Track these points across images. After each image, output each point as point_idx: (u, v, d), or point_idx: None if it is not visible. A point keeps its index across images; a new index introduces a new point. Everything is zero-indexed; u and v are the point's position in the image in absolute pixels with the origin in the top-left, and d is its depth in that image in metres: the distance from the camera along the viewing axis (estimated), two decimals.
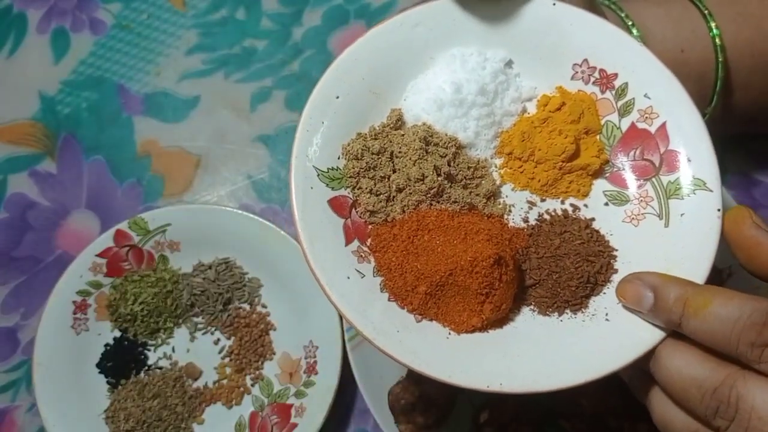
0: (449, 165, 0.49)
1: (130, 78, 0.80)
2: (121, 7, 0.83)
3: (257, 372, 0.69)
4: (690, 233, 0.45)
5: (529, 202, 0.51)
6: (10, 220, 0.76)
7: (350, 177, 0.49)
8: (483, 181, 0.51)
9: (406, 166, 0.49)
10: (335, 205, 0.48)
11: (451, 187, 0.50)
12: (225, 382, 0.69)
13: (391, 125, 0.51)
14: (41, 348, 0.68)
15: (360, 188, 0.49)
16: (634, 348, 0.42)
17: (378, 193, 0.49)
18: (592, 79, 0.51)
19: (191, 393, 0.69)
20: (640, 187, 0.49)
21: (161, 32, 0.82)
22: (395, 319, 0.45)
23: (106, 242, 0.70)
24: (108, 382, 0.70)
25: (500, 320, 0.46)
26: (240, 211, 0.69)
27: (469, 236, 0.46)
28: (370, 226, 0.48)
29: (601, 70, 0.50)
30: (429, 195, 0.48)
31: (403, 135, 0.50)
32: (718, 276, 0.64)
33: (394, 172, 0.49)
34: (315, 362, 0.67)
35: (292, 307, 0.69)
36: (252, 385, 0.69)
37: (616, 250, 0.47)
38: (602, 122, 0.51)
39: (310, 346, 0.68)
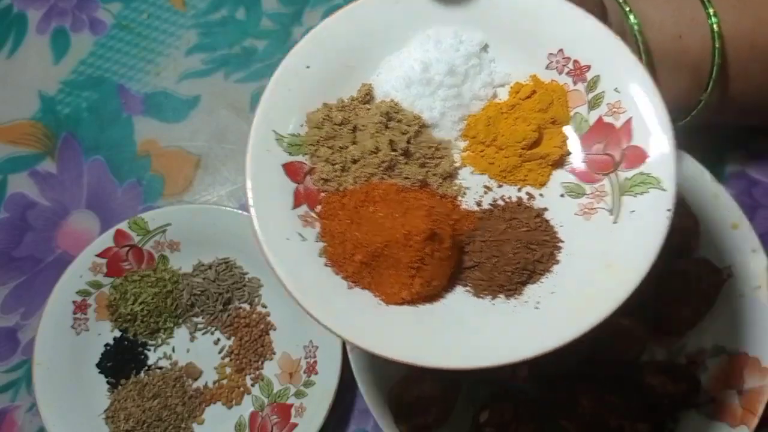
0: (408, 142, 0.50)
1: (130, 78, 0.80)
2: (121, 7, 0.83)
3: (257, 372, 0.69)
4: (636, 231, 0.45)
5: (486, 186, 0.51)
6: (10, 220, 0.76)
7: (310, 144, 0.50)
8: (442, 162, 0.51)
9: (364, 138, 0.50)
10: (290, 169, 0.49)
11: (406, 163, 0.50)
12: (225, 382, 0.69)
13: (360, 99, 0.51)
14: (41, 348, 0.68)
15: (318, 156, 0.50)
16: (556, 339, 0.42)
17: (334, 162, 0.50)
18: (566, 70, 0.51)
19: (191, 393, 0.69)
20: (597, 181, 0.48)
21: (161, 32, 0.82)
22: (327, 283, 0.46)
23: (106, 242, 0.70)
24: (108, 382, 0.70)
25: (432, 296, 0.47)
26: (240, 211, 0.69)
27: (410, 211, 0.47)
28: (322, 194, 0.50)
29: (575, 61, 0.50)
30: (380, 168, 0.49)
31: (369, 110, 0.51)
32: (718, 276, 0.64)
33: (354, 144, 0.51)
34: (315, 362, 0.67)
35: (292, 307, 0.69)
36: (252, 385, 0.69)
37: (563, 241, 0.47)
38: (572, 114, 0.50)
39: (310, 346, 0.68)
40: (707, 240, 0.68)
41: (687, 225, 0.65)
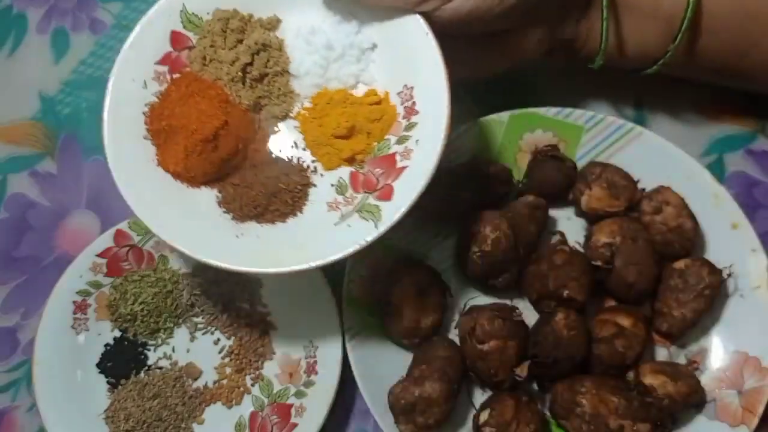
0: (262, 75, 0.62)
1: None
2: (121, 7, 0.83)
3: (257, 372, 0.69)
4: (338, 238, 0.57)
5: (295, 142, 0.63)
6: (10, 220, 0.76)
7: (203, 30, 0.62)
8: (282, 106, 0.63)
9: (238, 51, 0.62)
10: (175, 37, 0.62)
11: (251, 87, 0.62)
12: (225, 382, 0.69)
13: (263, 24, 0.63)
14: (41, 348, 0.68)
15: (201, 41, 0.62)
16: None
17: (205, 54, 0.62)
18: (406, 104, 0.60)
19: (191, 393, 0.69)
20: (357, 192, 0.60)
21: None
22: (141, 156, 0.60)
23: (107, 242, 0.70)
24: (108, 382, 0.69)
25: (189, 181, 0.60)
26: None
27: (216, 116, 0.60)
28: (186, 69, 0.63)
29: (414, 103, 0.60)
30: (228, 77, 0.62)
31: (263, 33, 0.62)
32: (718, 276, 0.64)
33: (228, 50, 0.62)
34: (315, 362, 0.67)
35: (292, 307, 0.69)
36: (252, 385, 0.69)
37: (301, 211, 0.60)
38: (386, 137, 0.61)
39: (310, 346, 0.68)
40: (707, 240, 0.68)
41: (686, 224, 0.65)
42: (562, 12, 0.64)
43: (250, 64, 0.62)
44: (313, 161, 0.62)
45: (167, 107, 0.61)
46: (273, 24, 0.63)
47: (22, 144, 0.78)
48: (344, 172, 0.61)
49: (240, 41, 0.62)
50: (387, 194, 0.58)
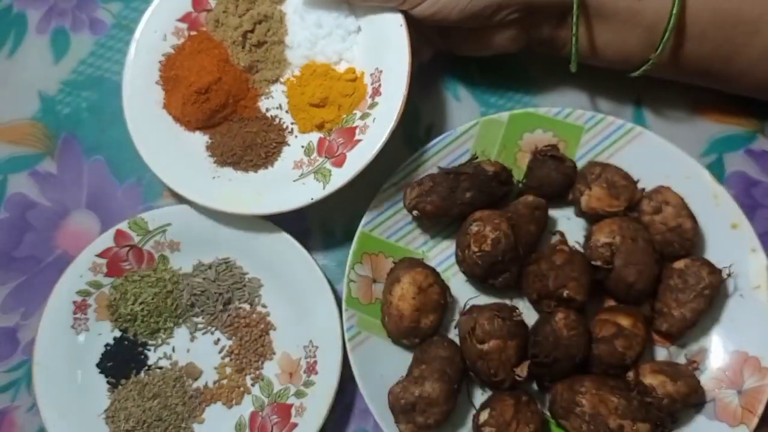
0: (260, 42, 0.72)
1: None
2: (121, 7, 0.83)
3: (257, 372, 0.69)
4: (293, 190, 0.67)
5: (280, 105, 0.73)
6: (11, 220, 0.76)
7: None
8: (274, 71, 0.73)
9: (244, 16, 0.72)
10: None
11: (249, 51, 0.72)
12: (225, 382, 0.69)
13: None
14: (41, 348, 0.68)
15: (220, 5, 0.73)
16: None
17: (218, 18, 0.73)
18: (374, 84, 0.69)
19: (191, 393, 0.69)
20: (320, 155, 0.69)
21: None
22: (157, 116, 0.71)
23: (106, 242, 0.70)
24: (108, 382, 0.70)
25: (187, 125, 0.72)
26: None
27: (212, 72, 0.70)
28: (202, 28, 0.74)
29: (380, 85, 0.68)
30: (230, 40, 0.72)
31: (270, 6, 0.73)
32: (718, 276, 0.64)
33: (236, 17, 0.72)
34: (315, 362, 0.67)
35: (292, 307, 0.69)
36: (252, 385, 0.69)
37: (278, 159, 0.71)
38: (353, 112, 0.69)
39: (309, 346, 0.68)
40: (707, 240, 0.68)
41: (685, 224, 0.65)
42: (532, 19, 0.66)
43: (251, 31, 0.72)
44: (292, 123, 0.72)
45: (179, 59, 0.72)
46: None
47: (22, 144, 0.78)
48: (315, 137, 0.71)
49: (248, 10, 0.72)
50: (340, 161, 0.66)
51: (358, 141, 0.66)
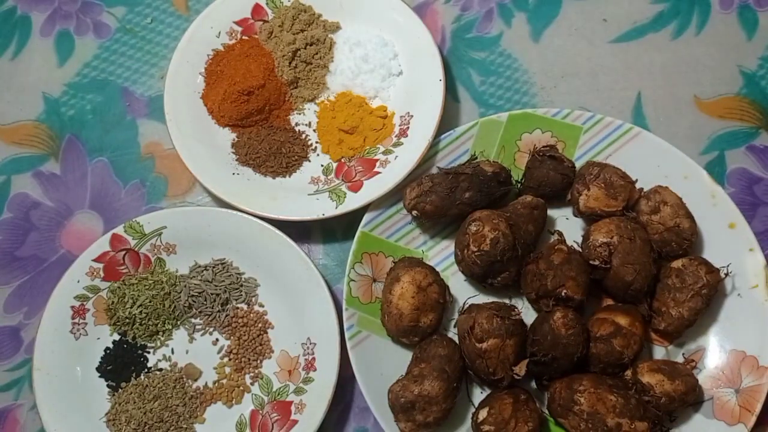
0: (306, 62, 0.78)
1: (134, 81, 0.81)
2: (125, 11, 0.84)
3: (256, 371, 0.69)
4: (309, 210, 0.70)
5: (309, 122, 0.78)
6: (14, 220, 0.76)
7: (281, 13, 0.79)
8: (313, 91, 0.78)
9: (298, 35, 0.78)
10: (257, 8, 0.80)
11: (294, 67, 0.78)
12: (225, 381, 0.70)
13: (327, 25, 0.79)
14: (41, 354, 0.68)
15: (276, 19, 0.79)
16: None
17: (272, 30, 0.79)
18: (402, 126, 0.74)
19: (192, 393, 0.69)
20: (338, 177, 0.73)
21: (165, 36, 0.83)
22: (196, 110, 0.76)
23: (103, 247, 0.70)
24: (108, 386, 0.70)
25: (226, 120, 0.76)
26: (235, 212, 0.70)
27: (257, 77, 0.76)
28: (254, 35, 0.79)
29: (408, 128, 0.73)
30: (281, 54, 0.77)
31: (323, 32, 0.78)
32: (716, 275, 0.64)
33: (290, 34, 0.78)
34: (313, 359, 0.67)
35: (289, 305, 0.70)
36: (252, 384, 0.69)
37: (297, 171, 0.76)
38: (378, 146, 0.74)
39: (307, 343, 0.68)
40: (705, 239, 0.68)
41: (683, 224, 0.65)
42: None
43: (301, 49, 0.77)
44: (316, 142, 0.76)
45: (226, 57, 0.77)
46: (334, 27, 0.79)
47: (26, 145, 0.79)
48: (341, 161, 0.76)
49: (302, 31, 0.78)
50: (357, 187, 0.71)
51: (377, 173, 0.71)
